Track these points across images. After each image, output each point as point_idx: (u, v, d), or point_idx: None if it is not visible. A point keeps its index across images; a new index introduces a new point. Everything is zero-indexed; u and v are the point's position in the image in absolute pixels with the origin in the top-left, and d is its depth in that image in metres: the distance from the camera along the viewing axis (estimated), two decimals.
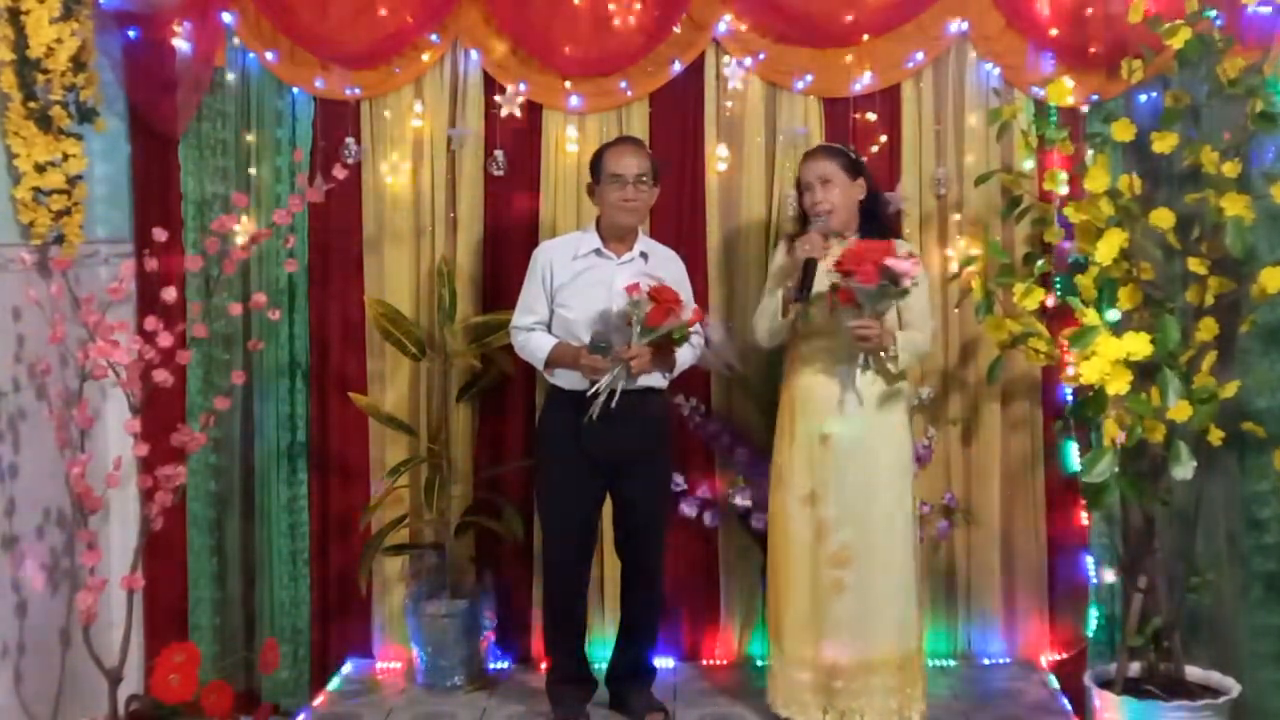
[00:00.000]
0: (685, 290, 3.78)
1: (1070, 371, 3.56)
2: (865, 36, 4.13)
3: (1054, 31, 4.06)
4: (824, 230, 3.61)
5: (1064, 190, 3.88)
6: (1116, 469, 3.44)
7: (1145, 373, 3.51)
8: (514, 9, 4.17)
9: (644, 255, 3.77)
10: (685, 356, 3.75)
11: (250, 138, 4.29)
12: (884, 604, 3.66)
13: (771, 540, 3.80)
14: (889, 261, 3.40)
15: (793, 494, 3.69)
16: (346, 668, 4.38)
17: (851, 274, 3.42)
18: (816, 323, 3.63)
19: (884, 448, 3.68)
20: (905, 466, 3.75)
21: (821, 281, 3.56)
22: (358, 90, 4.24)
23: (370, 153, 4.31)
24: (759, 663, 4.26)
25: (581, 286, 3.71)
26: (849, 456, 3.64)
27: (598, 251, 3.74)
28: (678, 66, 4.21)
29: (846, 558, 3.63)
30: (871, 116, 4.23)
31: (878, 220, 3.78)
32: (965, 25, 4.15)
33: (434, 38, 4.21)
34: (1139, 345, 3.38)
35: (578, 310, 3.69)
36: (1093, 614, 4.21)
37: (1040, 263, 3.95)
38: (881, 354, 3.57)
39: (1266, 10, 3.81)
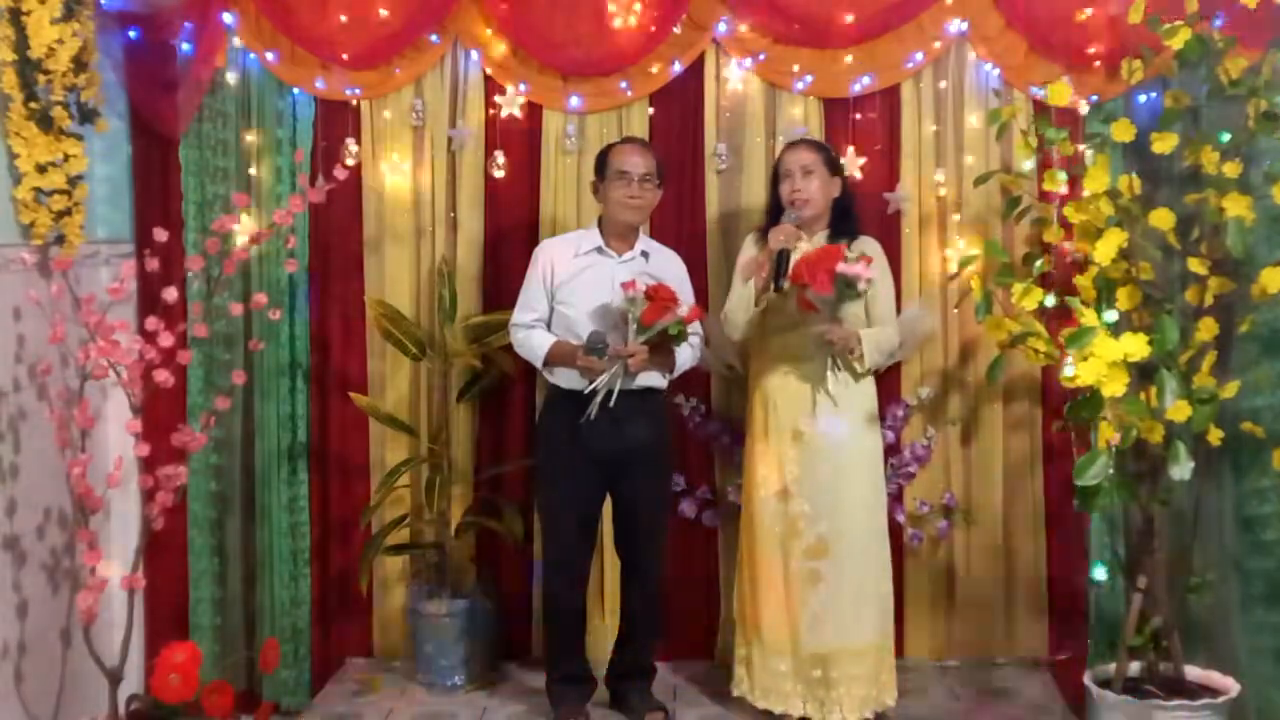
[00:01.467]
0: (686, 290, 3.78)
1: (1068, 372, 3.56)
2: (865, 37, 4.13)
3: (1054, 32, 4.06)
4: (797, 222, 3.64)
5: (1064, 190, 3.88)
6: (1111, 471, 3.44)
7: (1145, 373, 3.51)
8: (514, 9, 4.17)
9: (645, 254, 3.78)
10: (686, 357, 3.76)
11: (250, 138, 4.29)
12: (859, 593, 3.70)
13: (744, 536, 3.83)
14: (841, 268, 3.46)
15: (766, 489, 3.72)
16: (346, 667, 4.38)
17: (807, 285, 3.47)
18: (786, 318, 3.66)
19: (856, 441, 3.73)
20: (877, 458, 3.80)
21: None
22: (358, 90, 4.24)
23: (370, 153, 4.31)
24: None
25: (582, 284, 3.72)
26: (821, 452, 3.68)
27: (599, 249, 3.75)
28: (678, 66, 4.22)
29: (822, 549, 3.67)
30: (872, 116, 4.23)
31: (849, 220, 3.79)
32: (965, 25, 4.16)
33: (434, 38, 4.21)
34: (1137, 346, 3.38)
35: (578, 308, 3.70)
36: (1092, 614, 4.21)
37: (1040, 263, 3.95)
38: (849, 354, 3.64)
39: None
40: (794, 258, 3.61)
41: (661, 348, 3.62)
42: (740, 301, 3.72)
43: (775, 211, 3.78)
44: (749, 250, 3.83)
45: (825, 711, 3.66)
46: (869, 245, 3.80)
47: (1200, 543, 3.93)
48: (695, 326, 3.71)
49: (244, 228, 4.00)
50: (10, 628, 3.65)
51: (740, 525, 3.88)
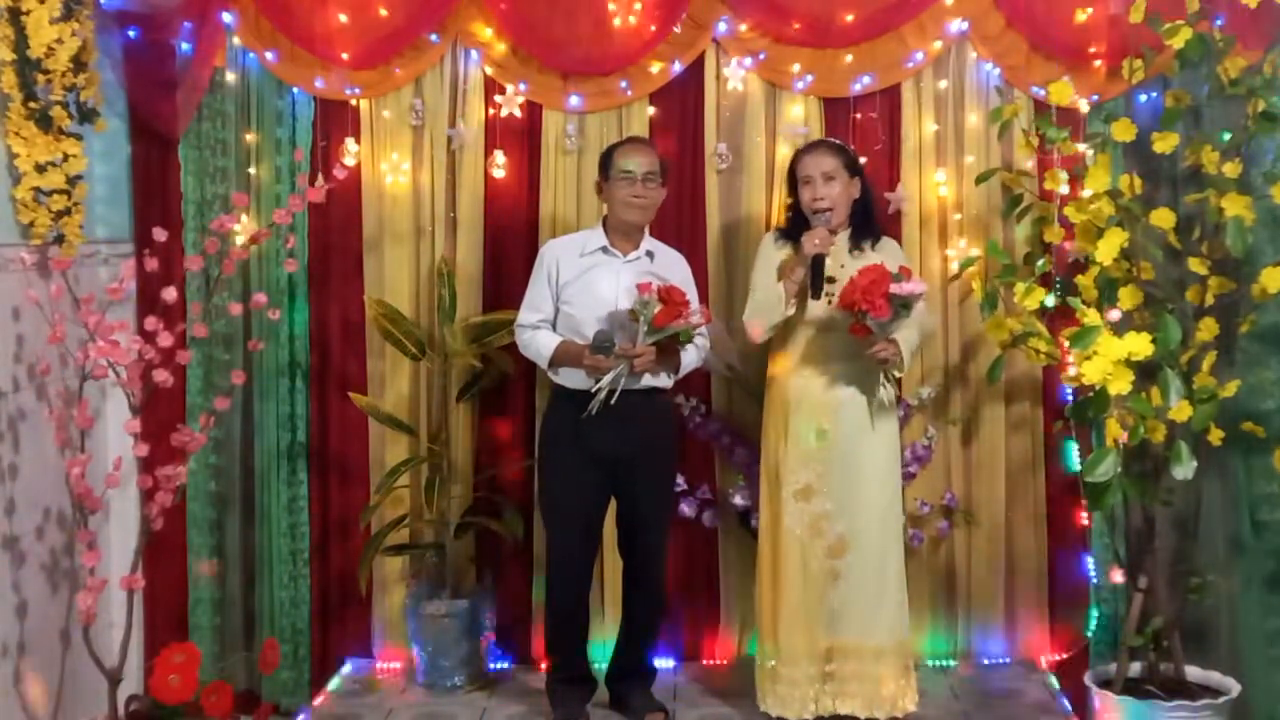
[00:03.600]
0: (691, 291, 3.77)
1: (1071, 371, 3.56)
2: (865, 36, 4.13)
3: (1054, 32, 4.06)
4: (829, 227, 3.63)
5: (1065, 190, 3.88)
6: (1119, 469, 3.44)
7: (1146, 373, 3.51)
8: (514, 9, 4.17)
9: (650, 254, 3.77)
10: (691, 358, 3.76)
11: (250, 138, 4.28)
12: (878, 593, 3.70)
13: (763, 538, 3.83)
14: (894, 289, 3.43)
15: (787, 489, 3.71)
16: (346, 668, 4.38)
17: (865, 312, 3.44)
18: (812, 320, 3.65)
19: (878, 443, 3.73)
20: (895, 461, 3.80)
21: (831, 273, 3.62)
22: (357, 90, 4.23)
23: (370, 153, 4.31)
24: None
25: (587, 284, 3.71)
26: (845, 452, 3.68)
27: (604, 249, 3.75)
28: (678, 66, 4.21)
29: (842, 548, 3.67)
30: (872, 116, 4.23)
31: (869, 220, 3.78)
32: (965, 25, 4.15)
33: (434, 38, 4.21)
34: (1140, 345, 3.38)
35: (583, 308, 3.69)
36: (1093, 614, 4.21)
37: (1040, 262, 3.95)
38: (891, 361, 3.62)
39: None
40: (829, 261, 3.60)
41: (668, 349, 3.61)
42: (769, 304, 3.68)
43: (796, 212, 3.77)
44: (769, 250, 3.79)
45: (837, 704, 3.67)
46: (890, 246, 3.81)
47: (1201, 543, 3.93)
48: (701, 328, 3.71)
49: (244, 228, 4.00)
50: (10, 628, 3.65)
51: (761, 531, 3.85)
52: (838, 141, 3.88)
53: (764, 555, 3.83)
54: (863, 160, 4.19)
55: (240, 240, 3.89)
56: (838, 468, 3.68)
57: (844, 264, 3.68)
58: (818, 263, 3.57)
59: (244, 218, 4.07)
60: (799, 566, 3.70)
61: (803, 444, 3.70)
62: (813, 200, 3.67)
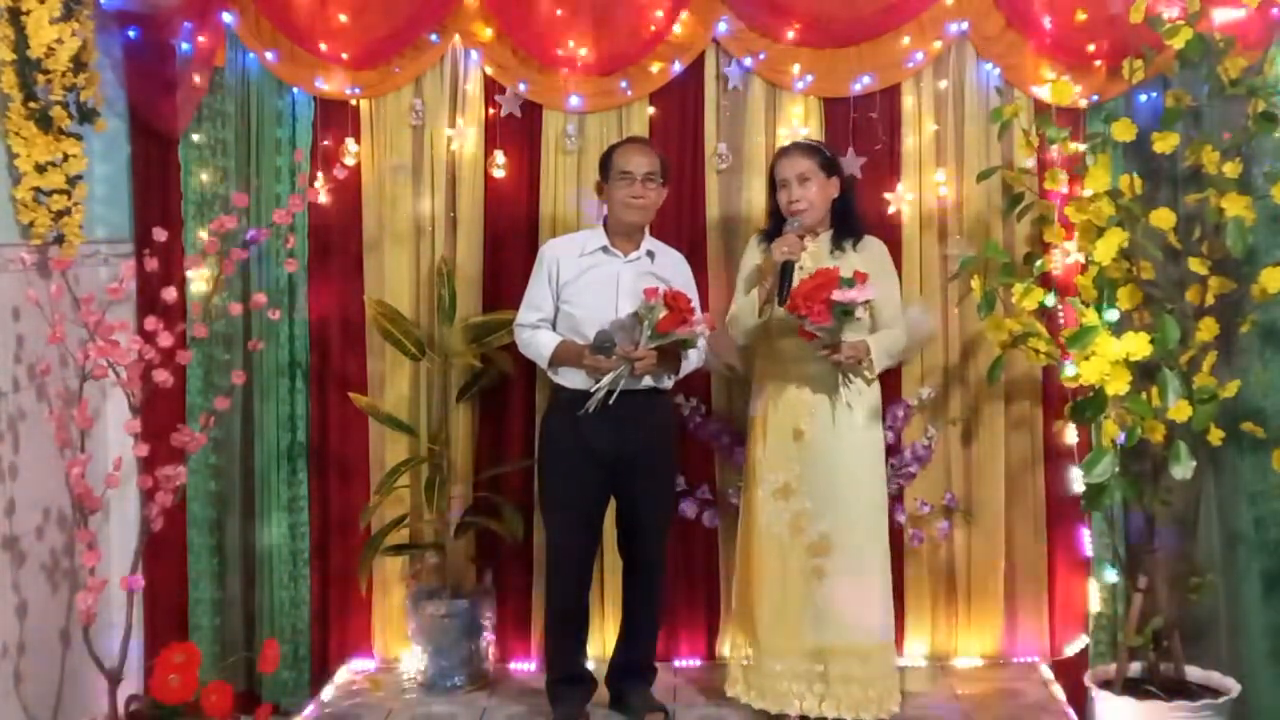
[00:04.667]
0: (692, 291, 3.78)
1: (1070, 372, 3.56)
2: (865, 36, 4.13)
3: (1054, 31, 4.06)
4: (800, 231, 3.64)
5: (1064, 190, 3.88)
6: (1116, 469, 3.44)
7: (1145, 373, 3.51)
8: (514, 9, 4.17)
9: (650, 254, 3.78)
10: (692, 360, 3.77)
11: (250, 138, 4.28)
12: (862, 592, 3.70)
13: (743, 536, 3.85)
14: (836, 295, 3.44)
15: (766, 488, 3.73)
16: (346, 668, 4.38)
17: (804, 317, 3.45)
18: (789, 323, 3.66)
19: (858, 441, 3.73)
20: (878, 459, 3.80)
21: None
22: (358, 90, 4.24)
23: (370, 153, 4.30)
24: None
25: (587, 284, 3.72)
26: (823, 450, 3.69)
27: (605, 249, 3.75)
28: (678, 66, 4.21)
29: (825, 547, 3.68)
30: (872, 116, 4.23)
31: (851, 220, 3.79)
32: (965, 25, 4.15)
33: (434, 38, 4.21)
34: (1138, 345, 3.38)
35: (583, 308, 3.69)
36: (1093, 614, 4.21)
37: (1040, 262, 3.95)
38: (858, 364, 3.62)
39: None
40: (799, 267, 3.60)
41: (669, 352, 3.62)
42: (745, 310, 3.73)
43: (777, 215, 3.78)
44: (752, 253, 3.83)
45: (824, 707, 3.67)
46: (873, 245, 3.81)
47: (1201, 543, 3.94)
48: (702, 329, 3.71)
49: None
50: (10, 628, 3.65)
51: (739, 526, 3.88)
52: (812, 142, 3.90)
53: (740, 553, 3.86)
54: (862, 160, 4.21)
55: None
56: (815, 467, 3.69)
57: (826, 265, 3.68)
58: (787, 269, 3.58)
59: (243, 218, 4.06)
60: (778, 565, 3.71)
61: (780, 443, 3.72)
62: (789, 203, 3.68)
